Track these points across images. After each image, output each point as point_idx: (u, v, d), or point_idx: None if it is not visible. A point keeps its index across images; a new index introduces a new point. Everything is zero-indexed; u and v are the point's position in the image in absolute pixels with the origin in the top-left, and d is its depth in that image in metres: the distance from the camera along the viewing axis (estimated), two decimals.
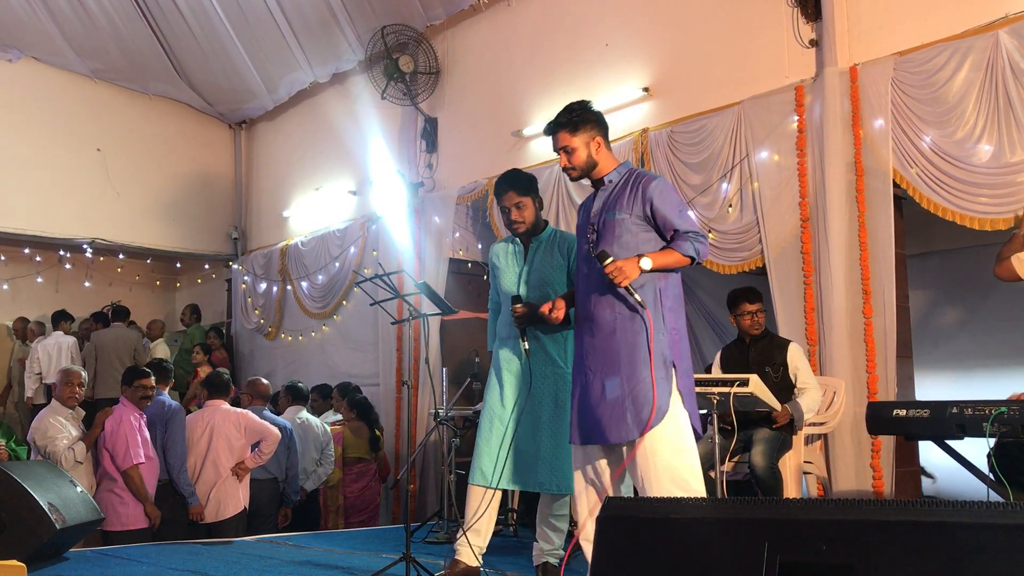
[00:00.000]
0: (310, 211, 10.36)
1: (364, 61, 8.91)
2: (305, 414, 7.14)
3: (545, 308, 3.63)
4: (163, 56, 10.25)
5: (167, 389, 6.39)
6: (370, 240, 9.12)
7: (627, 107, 6.85)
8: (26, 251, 10.84)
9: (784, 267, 5.80)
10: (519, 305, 3.81)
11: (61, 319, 10.11)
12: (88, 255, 10.97)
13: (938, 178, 5.13)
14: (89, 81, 10.50)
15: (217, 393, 6.32)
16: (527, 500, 5.97)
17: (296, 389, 7.34)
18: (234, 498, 6.01)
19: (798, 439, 4.93)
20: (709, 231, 6.15)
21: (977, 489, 3.94)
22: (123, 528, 5.47)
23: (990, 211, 4.93)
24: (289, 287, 10.34)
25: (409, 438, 4.49)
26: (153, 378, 5.87)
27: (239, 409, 6.34)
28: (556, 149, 3.57)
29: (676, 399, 3.34)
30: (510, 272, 4.08)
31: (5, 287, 11.02)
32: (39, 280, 11.19)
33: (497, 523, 4.19)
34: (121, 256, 11.19)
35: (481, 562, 4.02)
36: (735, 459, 5.00)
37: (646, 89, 6.79)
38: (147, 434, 5.70)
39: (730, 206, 6.06)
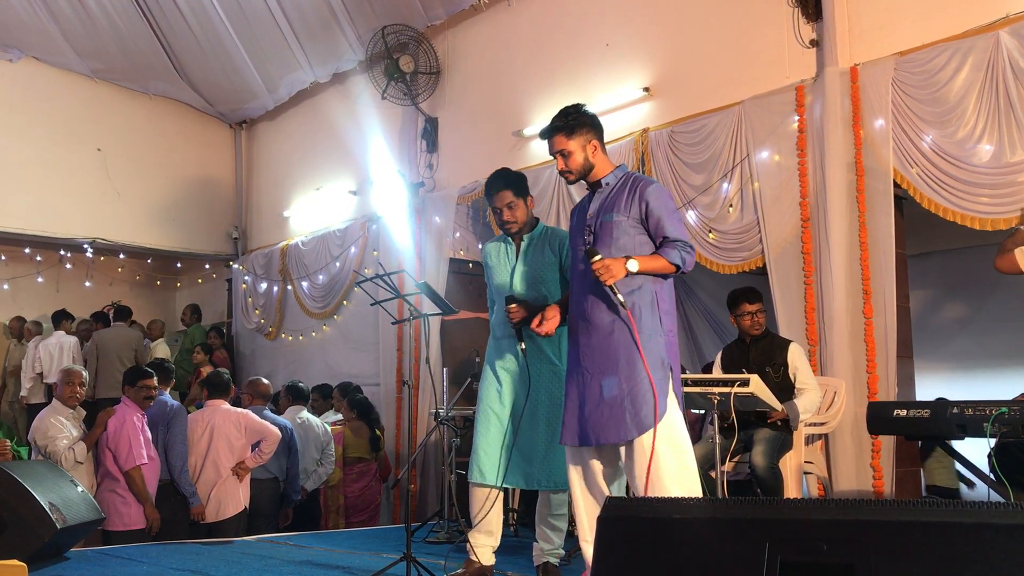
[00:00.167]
0: (311, 211, 10.36)
1: (364, 61, 8.91)
2: (306, 414, 7.14)
3: (534, 324, 3.65)
4: (163, 56, 10.25)
5: (168, 389, 6.38)
6: (370, 240, 9.12)
7: (628, 107, 6.85)
8: (27, 251, 10.84)
9: (785, 267, 5.80)
10: (513, 306, 3.82)
11: (63, 319, 10.11)
12: (89, 255, 10.97)
13: (939, 178, 5.13)
14: (89, 81, 10.50)
15: (217, 393, 6.32)
16: (527, 500, 5.97)
17: (297, 389, 7.34)
18: (234, 498, 6.01)
19: (798, 439, 4.93)
20: (710, 231, 6.15)
21: (978, 489, 3.94)
22: (125, 528, 5.47)
23: (991, 211, 4.93)
24: (289, 287, 10.34)
25: (410, 438, 4.49)
26: (156, 378, 5.87)
27: (239, 409, 6.34)
28: (552, 153, 3.59)
29: (673, 400, 3.35)
30: (503, 271, 4.10)
31: (6, 287, 11.02)
32: (40, 280, 11.20)
33: None
34: (122, 256, 11.19)
35: (494, 560, 4.04)
36: (736, 459, 5.00)
37: (647, 89, 6.79)
38: (149, 434, 5.70)
39: (731, 206, 6.06)
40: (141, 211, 10.78)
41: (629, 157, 6.55)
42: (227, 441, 6.03)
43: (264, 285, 10.79)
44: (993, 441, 3.52)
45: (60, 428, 5.52)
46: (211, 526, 5.92)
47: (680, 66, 6.66)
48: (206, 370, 9.39)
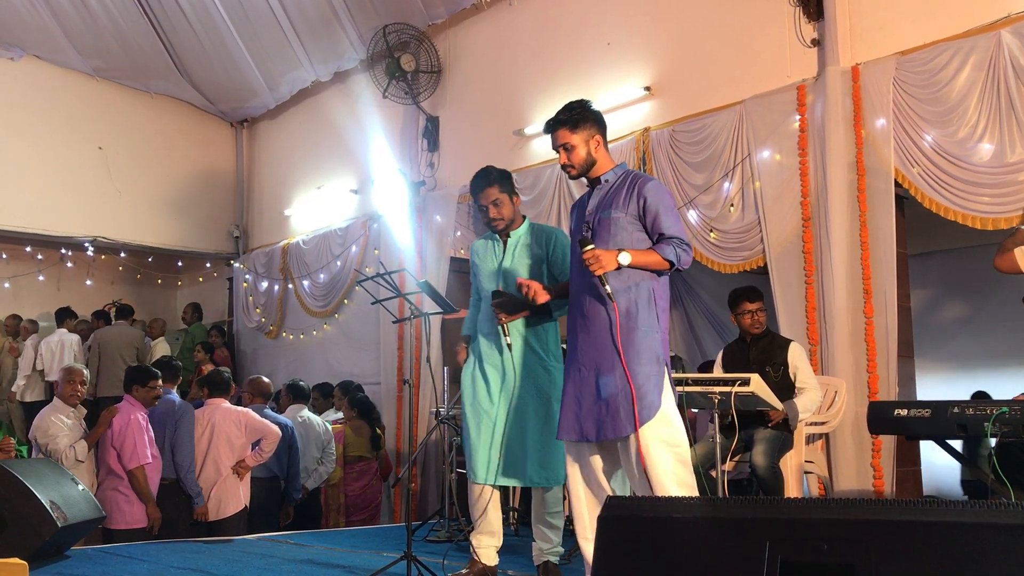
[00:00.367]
0: (312, 210, 10.36)
1: (366, 60, 8.91)
2: (306, 412, 7.14)
3: (530, 295, 3.62)
4: (165, 54, 10.25)
5: (175, 388, 6.37)
6: (371, 239, 9.13)
7: (629, 106, 6.85)
8: (28, 249, 10.85)
9: (785, 266, 5.80)
10: (500, 300, 3.84)
11: (66, 316, 10.12)
12: (89, 253, 10.98)
13: (939, 177, 5.13)
14: (91, 79, 10.51)
15: (218, 391, 6.32)
16: (527, 498, 5.97)
17: (297, 388, 7.35)
18: (235, 496, 6.01)
19: (799, 439, 4.93)
20: (711, 230, 6.15)
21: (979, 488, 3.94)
22: (127, 527, 5.47)
23: (991, 210, 4.93)
24: (290, 286, 10.35)
25: (410, 437, 4.47)
26: (160, 378, 5.88)
27: (240, 407, 6.34)
28: (555, 147, 3.59)
29: (668, 396, 3.35)
30: (490, 267, 4.11)
31: (7, 285, 11.02)
32: (41, 278, 11.20)
33: None
34: (122, 254, 11.20)
35: (497, 560, 4.04)
36: (736, 458, 5.00)
37: (648, 88, 6.79)
38: (152, 434, 5.70)
39: (732, 205, 6.06)
40: (142, 209, 10.79)
41: (630, 156, 6.56)
42: (227, 440, 6.03)
43: (265, 284, 10.80)
44: (994, 441, 3.52)
45: (61, 426, 5.53)
46: (211, 525, 5.92)
47: (681, 65, 6.66)
48: (207, 368, 9.40)
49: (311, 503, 7.01)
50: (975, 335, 7.63)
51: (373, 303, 4.36)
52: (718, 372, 5.18)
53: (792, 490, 4.82)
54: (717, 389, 4.34)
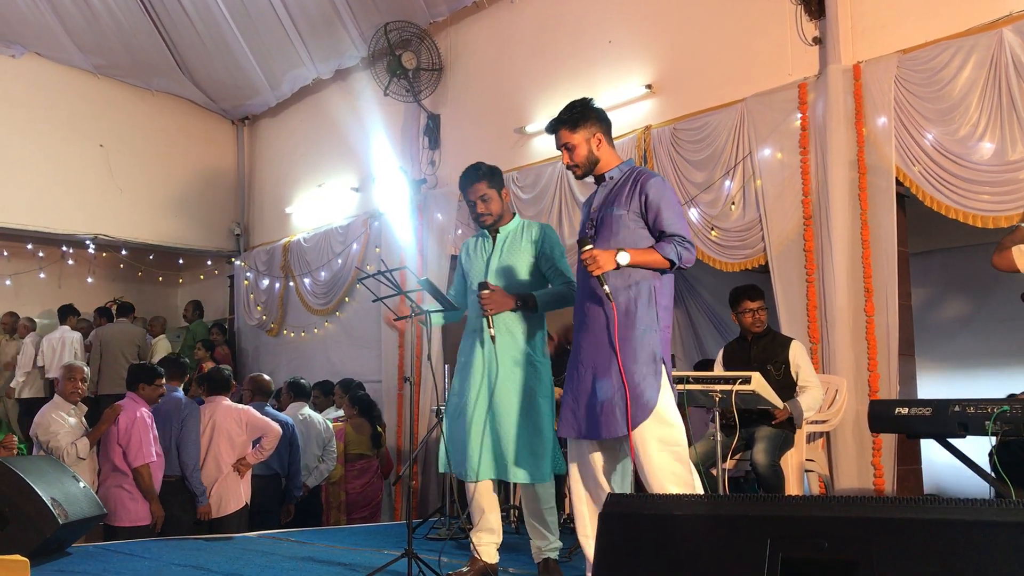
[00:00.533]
0: (313, 207, 10.37)
1: (367, 57, 8.91)
2: (307, 410, 7.14)
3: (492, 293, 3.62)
4: (166, 52, 10.25)
5: (181, 385, 6.36)
6: (372, 237, 9.13)
7: (630, 104, 6.85)
8: (29, 247, 10.86)
9: (786, 265, 5.80)
10: (486, 292, 3.84)
11: (68, 314, 10.13)
12: (91, 251, 10.98)
13: (940, 176, 5.13)
14: (92, 77, 10.51)
15: (218, 389, 6.33)
16: None
17: (298, 385, 7.35)
18: (236, 494, 6.02)
19: (800, 437, 4.93)
20: (712, 228, 6.15)
21: (979, 487, 3.94)
22: (131, 524, 5.47)
23: (992, 209, 4.93)
24: (291, 283, 10.35)
25: (411, 434, 4.48)
26: (164, 376, 5.88)
27: (241, 405, 6.34)
28: (558, 147, 3.59)
29: (665, 395, 3.32)
30: (479, 263, 4.12)
31: (8, 283, 11.03)
32: (42, 276, 11.21)
33: None
34: (123, 252, 11.20)
35: (498, 558, 4.04)
36: (737, 457, 5.00)
37: (649, 86, 6.79)
38: (156, 432, 5.71)
39: (733, 204, 6.06)
40: (143, 207, 10.79)
41: (631, 154, 6.55)
42: (228, 437, 6.03)
43: (266, 281, 10.80)
44: (994, 439, 3.52)
45: (62, 424, 5.53)
46: (212, 522, 5.92)
47: (682, 63, 6.66)
48: (207, 366, 9.40)
49: (312, 501, 7.01)
50: (976, 334, 7.62)
51: (374, 301, 4.35)
52: (719, 371, 5.17)
53: (793, 488, 4.82)
54: (718, 387, 4.34)
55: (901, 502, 1.98)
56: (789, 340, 5.13)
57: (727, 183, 6.10)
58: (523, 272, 4.00)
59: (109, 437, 5.54)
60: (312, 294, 10.01)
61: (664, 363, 3.35)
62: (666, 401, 3.32)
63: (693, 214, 6.23)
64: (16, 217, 9.87)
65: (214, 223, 11.48)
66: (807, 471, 5.21)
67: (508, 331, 3.93)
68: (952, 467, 4.12)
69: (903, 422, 3.85)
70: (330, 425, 7.21)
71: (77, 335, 9.96)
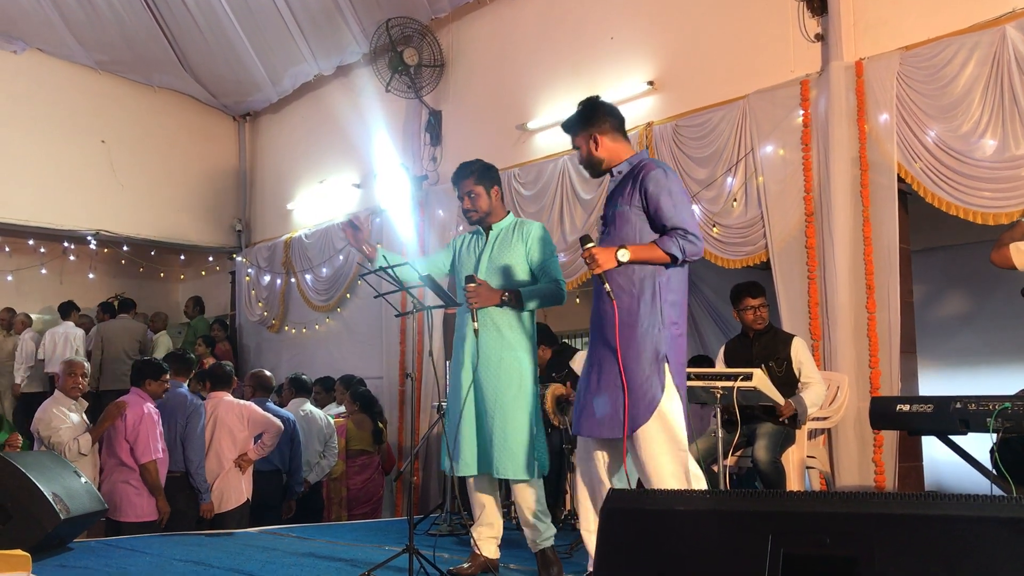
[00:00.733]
0: (314, 204, 10.37)
1: (368, 54, 8.91)
2: (309, 406, 7.15)
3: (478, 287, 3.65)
4: (168, 48, 10.25)
5: (187, 381, 6.36)
6: (374, 233, 9.12)
7: (632, 101, 6.84)
8: (31, 242, 10.87)
9: (788, 262, 5.80)
10: (472, 285, 3.86)
11: (71, 309, 10.14)
12: (92, 247, 10.98)
13: (942, 173, 5.12)
14: (93, 73, 10.51)
15: (220, 385, 6.33)
16: None
17: (300, 381, 7.36)
18: (237, 490, 6.03)
19: (801, 434, 4.93)
20: (714, 225, 6.15)
21: (980, 484, 3.93)
22: (137, 519, 5.48)
23: (993, 206, 4.93)
24: (293, 280, 10.36)
25: (412, 430, 4.47)
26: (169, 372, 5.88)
27: (242, 401, 6.35)
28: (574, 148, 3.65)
29: (670, 395, 3.29)
30: (470, 259, 4.13)
31: (9, 278, 11.04)
32: (43, 271, 11.22)
33: None
34: (125, 248, 11.21)
35: (499, 553, 4.05)
36: (738, 453, 5.00)
37: (651, 83, 6.79)
38: (162, 428, 5.71)
39: (735, 200, 6.05)
40: (145, 203, 10.79)
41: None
42: (230, 433, 6.04)
43: (267, 278, 10.80)
44: (995, 436, 3.52)
45: (63, 419, 5.53)
46: (213, 518, 5.93)
47: (684, 60, 6.66)
48: (208, 362, 9.41)
49: (313, 496, 7.02)
50: (978, 331, 7.61)
51: (375, 297, 4.36)
52: (720, 367, 5.17)
53: (794, 485, 4.82)
54: (720, 384, 4.34)
55: (902, 498, 1.97)
56: (791, 337, 5.12)
57: (729, 180, 6.10)
58: (514, 269, 4.01)
59: (116, 433, 5.53)
60: (313, 290, 10.01)
61: (668, 362, 3.29)
62: (670, 401, 3.28)
63: (695, 211, 6.23)
64: (18, 213, 9.87)
65: (216, 219, 11.49)
66: (808, 468, 5.21)
67: (494, 326, 3.93)
68: (953, 464, 4.12)
69: (904, 419, 3.84)
70: (331, 421, 7.22)
71: (80, 331, 9.97)
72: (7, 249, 11.00)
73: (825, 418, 5.22)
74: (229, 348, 10.71)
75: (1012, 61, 4.84)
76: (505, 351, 3.92)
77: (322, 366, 9.42)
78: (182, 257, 12.01)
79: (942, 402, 3.71)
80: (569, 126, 3.59)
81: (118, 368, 9.34)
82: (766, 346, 5.08)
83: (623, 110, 6.73)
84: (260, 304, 10.88)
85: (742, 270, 6.24)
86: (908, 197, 5.59)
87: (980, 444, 3.76)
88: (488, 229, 4.13)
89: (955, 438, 3.86)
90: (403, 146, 8.94)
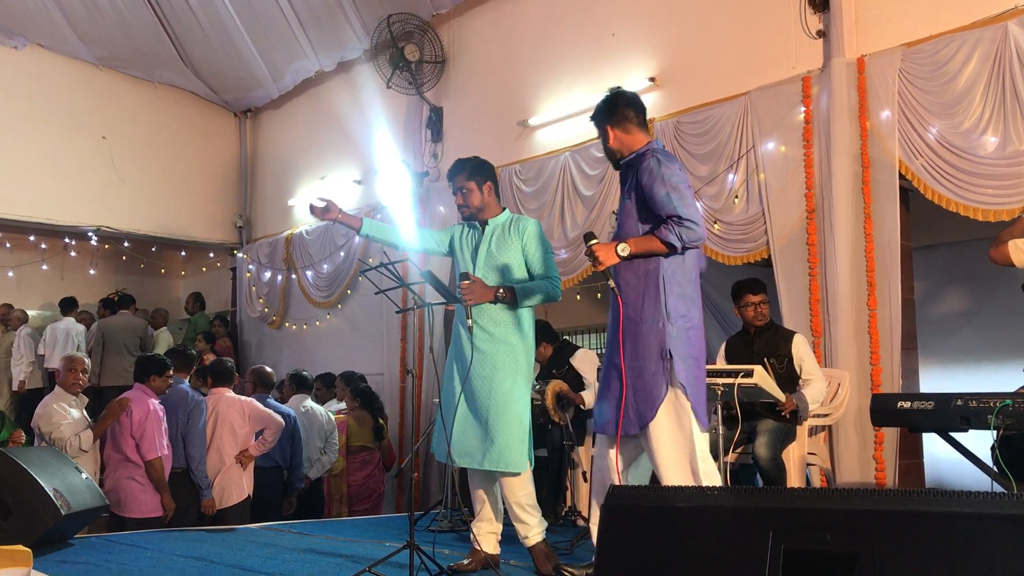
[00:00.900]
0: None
1: (370, 50, 8.90)
2: (310, 402, 7.15)
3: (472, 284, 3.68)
4: (169, 44, 10.24)
5: (188, 377, 6.36)
6: None
7: None
8: (31, 238, 10.86)
9: (789, 258, 5.80)
10: (466, 283, 3.88)
11: (72, 306, 10.15)
12: (93, 243, 10.99)
13: (943, 170, 5.12)
14: (94, 69, 10.50)
15: (221, 381, 6.33)
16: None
17: (300, 378, 7.36)
18: (238, 486, 6.03)
19: (802, 430, 4.93)
20: (715, 222, 6.14)
21: (981, 481, 3.93)
22: (142, 515, 5.48)
23: (995, 202, 4.92)
24: (294, 276, 10.35)
25: (413, 427, 4.49)
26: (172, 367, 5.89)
27: (243, 397, 6.35)
28: None
29: (675, 390, 3.28)
30: (466, 254, 4.15)
31: (10, 274, 11.04)
32: (44, 267, 11.22)
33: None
34: (126, 244, 11.21)
35: (499, 549, 4.05)
36: (739, 450, 5.00)
37: (652, 79, 6.78)
38: (166, 424, 5.71)
39: (736, 197, 6.05)
40: (145, 199, 10.79)
41: None
42: (231, 429, 6.04)
43: (268, 274, 10.80)
44: (996, 433, 3.52)
45: (64, 415, 5.53)
46: (215, 514, 5.93)
47: (686, 56, 6.65)
48: (209, 358, 9.41)
49: (314, 493, 7.02)
50: (979, 328, 7.61)
51: (376, 293, 4.37)
52: (721, 364, 5.17)
53: (795, 482, 4.82)
54: (720, 380, 4.34)
55: (903, 495, 1.98)
56: (792, 334, 5.12)
57: (730, 176, 6.09)
58: (510, 266, 4.02)
59: (122, 429, 5.53)
60: (314, 287, 10.01)
61: (673, 358, 3.27)
62: (674, 397, 3.28)
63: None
64: (18, 209, 9.86)
65: (216, 215, 11.48)
66: (809, 465, 5.21)
67: (489, 322, 3.94)
68: (954, 461, 4.12)
69: (905, 416, 3.84)
70: (332, 417, 7.22)
71: (80, 327, 9.98)
72: (8, 245, 10.99)
73: (826, 415, 5.22)
74: (230, 344, 10.71)
75: (1014, 58, 4.83)
76: (498, 346, 3.93)
77: (323, 362, 9.42)
78: (183, 253, 12.01)
79: (943, 399, 3.71)
80: (591, 118, 3.66)
81: (119, 364, 9.34)
82: (767, 343, 5.08)
83: None
84: (261, 300, 10.88)
85: (743, 267, 6.24)
86: (909, 194, 5.58)
87: (981, 441, 3.76)
88: (483, 224, 4.14)
89: (956, 435, 3.86)
90: (404, 142, 8.94)
